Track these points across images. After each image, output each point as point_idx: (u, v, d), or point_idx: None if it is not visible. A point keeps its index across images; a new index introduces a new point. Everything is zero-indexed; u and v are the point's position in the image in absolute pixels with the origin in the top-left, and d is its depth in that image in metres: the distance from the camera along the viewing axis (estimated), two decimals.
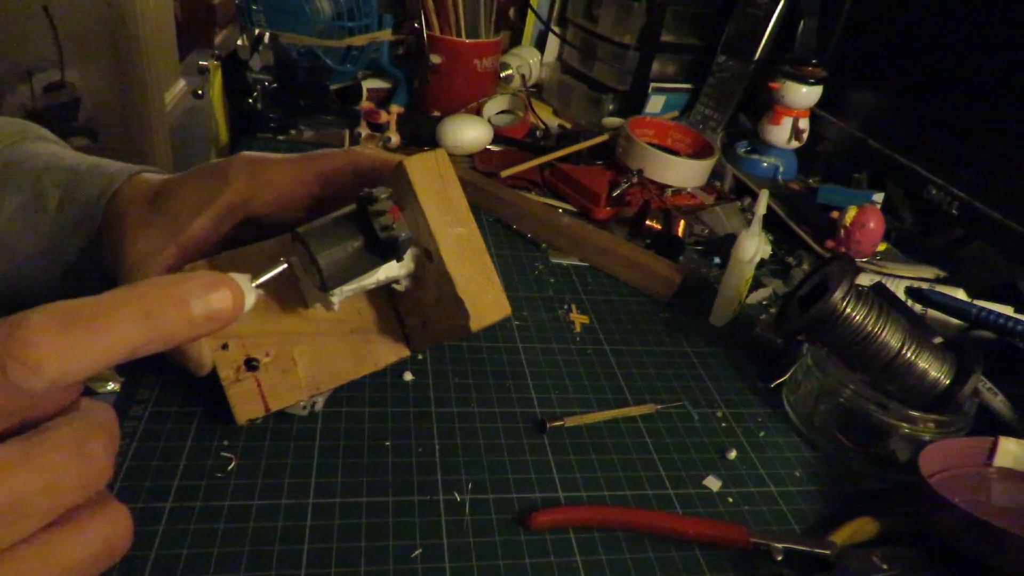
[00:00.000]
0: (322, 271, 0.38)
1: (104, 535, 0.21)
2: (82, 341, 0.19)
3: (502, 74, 1.08)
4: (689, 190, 0.88)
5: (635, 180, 0.81)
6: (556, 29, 1.13)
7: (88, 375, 0.20)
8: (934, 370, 0.49)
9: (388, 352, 0.47)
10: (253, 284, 0.26)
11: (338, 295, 0.42)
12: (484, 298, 0.42)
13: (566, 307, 0.64)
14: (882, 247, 0.78)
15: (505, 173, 0.83)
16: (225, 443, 0.43)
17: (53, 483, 0.19)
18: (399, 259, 0.41)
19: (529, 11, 1.14)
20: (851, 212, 0.74)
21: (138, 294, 0.21)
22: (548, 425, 0.49)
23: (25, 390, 0.18)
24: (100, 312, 0.20)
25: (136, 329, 0.20)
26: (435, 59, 0.95)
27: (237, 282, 0.23)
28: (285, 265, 0.30)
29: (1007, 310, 0.61)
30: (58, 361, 0.19)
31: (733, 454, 0.50)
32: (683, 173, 0.87)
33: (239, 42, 0.86)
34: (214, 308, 0.22)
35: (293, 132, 0.89)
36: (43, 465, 0.19)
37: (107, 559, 0.21)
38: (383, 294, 0.47)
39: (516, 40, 1.18)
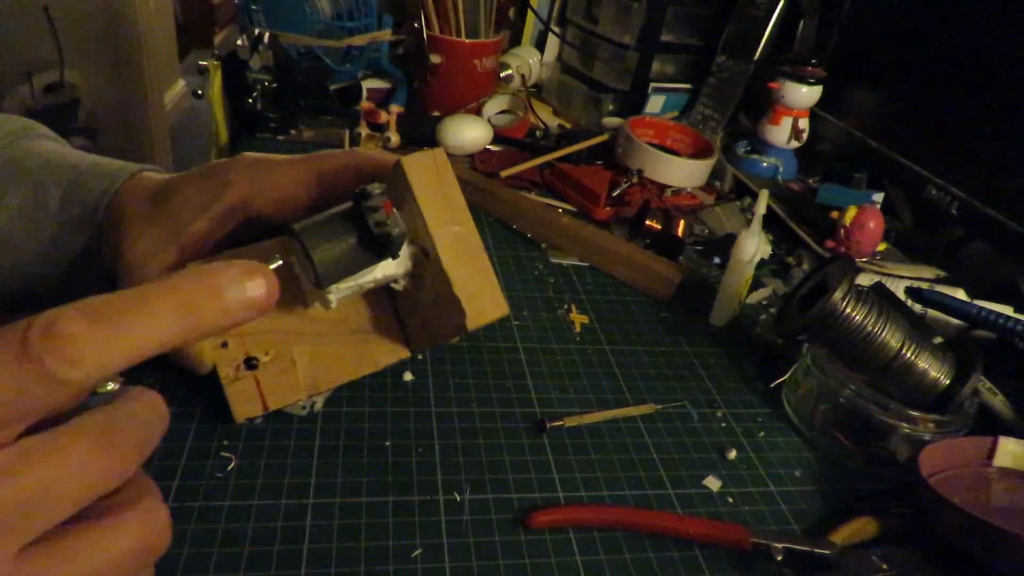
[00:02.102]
0: (316, 267, 0.38)
1: (138, 532, 0.21)
2: (118, 333, 0.19)
3: (502, 74, 1.08)
4: (689, 190, 0.88)
5: (635, 180, 0.81)
6: (556, 29, 1.13)
7: (124, 367, 0.20)
8: (934, 370, 0.49)
9: (388, 353, 0.47)
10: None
11: (335, 293, 0.42)
12: (481, 297, 0.42)
13: (566, 307, 0.64)
14: (882, 247, 0.78)
15: (505, 173, 0.83)
16: (225, 443, 0.43)
17: (75, 473, 0.19)
18: (394, 255, 0.41)
19: (529, 11, 1.14)
20: (851, 212, 0.74)
21: (172, 286, 0.21)
22: (548, 425, 0.49)
23: (62, 382, 0.19)
24: (134, 304, 0.20)
25: (170, 321, 0.20)
26: (435, 59, 0.95)
27: (271, 270, 0.23)
28: (281, 262, 0.30)
29: (1007, 310, 0.61)
30: (96, 354, 0.19)
31: (733, 454, 0.50)
32: (683, 173, 0.87)
33: (239, 42, 0.86)
34: (249, 296, 0.22)
35: (293, 132, 0.89)
36: (64, 455, 0.19)
37: (144, 557, 0.21)
38: (383, 295, 0.47)
39: (516, 40, 1.18)
